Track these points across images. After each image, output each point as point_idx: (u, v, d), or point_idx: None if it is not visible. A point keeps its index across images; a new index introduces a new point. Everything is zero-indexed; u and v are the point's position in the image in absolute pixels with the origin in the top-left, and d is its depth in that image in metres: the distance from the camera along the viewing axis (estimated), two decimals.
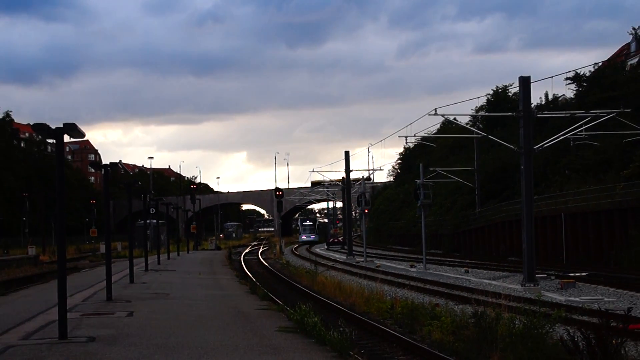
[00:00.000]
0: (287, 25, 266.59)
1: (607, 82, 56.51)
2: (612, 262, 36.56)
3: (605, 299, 20.95)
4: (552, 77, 36.01)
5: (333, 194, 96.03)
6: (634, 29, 65.07)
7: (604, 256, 38.65)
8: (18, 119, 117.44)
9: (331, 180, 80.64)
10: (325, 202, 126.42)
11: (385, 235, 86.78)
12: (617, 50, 76.29)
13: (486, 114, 63.98)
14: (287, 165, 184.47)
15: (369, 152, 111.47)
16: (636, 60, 62.37)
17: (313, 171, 78.97)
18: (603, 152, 45.18)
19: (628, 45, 70.03)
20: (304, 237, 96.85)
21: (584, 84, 60.23)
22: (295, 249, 77.49)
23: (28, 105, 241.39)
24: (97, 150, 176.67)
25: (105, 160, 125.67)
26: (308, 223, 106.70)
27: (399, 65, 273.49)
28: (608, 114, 31.54)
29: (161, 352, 11.46)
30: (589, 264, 36.75)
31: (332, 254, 63.46)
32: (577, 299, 21.38)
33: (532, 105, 30.95)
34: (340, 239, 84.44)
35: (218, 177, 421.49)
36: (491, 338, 12.97)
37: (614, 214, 39.63)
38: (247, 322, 16.61)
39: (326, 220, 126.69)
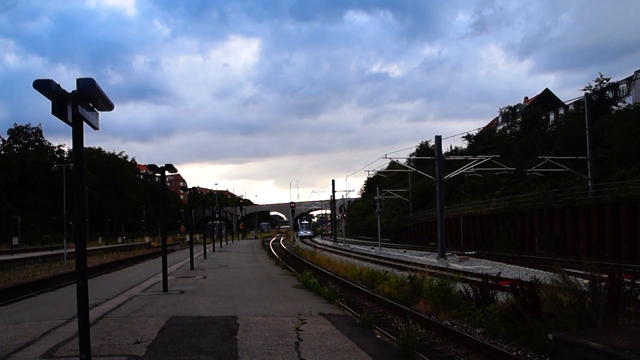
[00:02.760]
0: (297, 105, 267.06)
1: (485, 139, 56.88)
2: (489, 246, 36.53)
3: (485, 267, 20.97)
4: (454, 136, 36.97)
5: (325, 205, 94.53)
6: (500, 108, 66.03)
7: (484, 242, 38.65)
8: (139, 161, 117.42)
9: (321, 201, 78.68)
10: (321, 210, 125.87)
11: (356, 230, 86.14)
12: (491, 121, 76.60)
13: (416, 157, 63.92)
14: (297, 188, 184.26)
15: (346, 180, 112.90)
16: (501, 127, 63.01)
17: (313, 192, 78.47)
18: (484, 180, 45.32)
19: (497, 118, 70.47)
20: (302, 233, 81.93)
21: (472, 140, 60.53)
22: (301, 239, 76.74)
23: (145, 154, 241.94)
24: (184, 180, 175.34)
25: (189, 186, 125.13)
26: (305, 222, 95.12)
27: (364, 128, 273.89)
28: (486, 158, 31.70)
29: (223, 299, 11.51)
30: (476, 247, 36.71)
31: (324, 242, 63.16)
32: (469, 267, 21.40)
33: (443, 152, 31.07)
34: (329, 232, 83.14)
35: (256, 195, 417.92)
36: (419, 291, 13.03)
37: (490, 217, 39.74)
38: (274, 282, 16.62)
39: (317, 221, 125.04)
